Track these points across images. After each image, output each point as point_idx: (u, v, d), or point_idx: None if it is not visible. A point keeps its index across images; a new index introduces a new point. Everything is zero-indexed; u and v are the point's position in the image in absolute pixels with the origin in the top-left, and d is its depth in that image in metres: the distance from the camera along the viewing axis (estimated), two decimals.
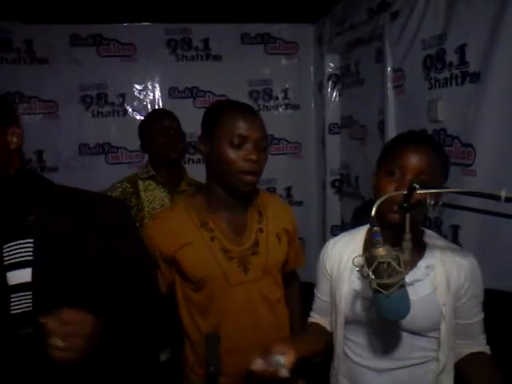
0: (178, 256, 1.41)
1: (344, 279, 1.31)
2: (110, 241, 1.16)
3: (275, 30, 3.62)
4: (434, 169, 1.20)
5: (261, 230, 1.48)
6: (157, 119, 2.30)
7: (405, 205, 1.06)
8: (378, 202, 1.02)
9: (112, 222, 1.19)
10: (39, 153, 3.35)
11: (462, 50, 1.98)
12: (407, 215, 1.06)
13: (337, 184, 3.48)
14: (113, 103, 3.41)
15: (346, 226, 3.31)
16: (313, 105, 3.69)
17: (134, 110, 3.49)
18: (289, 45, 3.64)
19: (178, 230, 1.42)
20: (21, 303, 1.09)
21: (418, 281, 1.22)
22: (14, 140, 1.13)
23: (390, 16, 2.50)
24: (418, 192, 1.05)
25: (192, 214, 1.45)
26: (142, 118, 3.45)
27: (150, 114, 2.53)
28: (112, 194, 2.15)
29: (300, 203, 3.71)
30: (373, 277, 1.02)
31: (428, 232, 1.34)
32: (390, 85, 2.56)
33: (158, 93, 3.51)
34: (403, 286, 1.04)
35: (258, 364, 1.15)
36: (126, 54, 3.42)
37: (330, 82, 3.43)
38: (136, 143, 3.41)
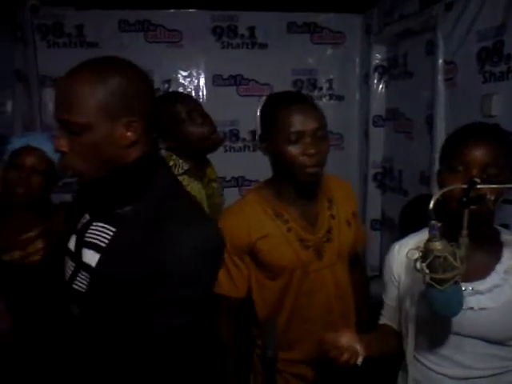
0: (257, 247, 1.45)
1: (409, 281, 1.28)
2: (167, 263, 1.02)
3: (322, 19, 3.56)
4: (501, 161, 1.13)
5: (332, 217, 1.52)
6: (188, 101, 1.98)
7: (464, 199, 1.03)
8: (436, 196, 1.00)
9: (179, 251, 1.02)
10: None
11: None
12: (466, 211, 1.03)
13: (379, 177, 3.42)
14: (158, 89, 3.44)
15: (387, 220, 3.27)
16: (357, 96, 3.63)
17: None
18: (335, 35, 3.58)
19: (254, 222, 1.46)
20: (81, 281, 1.11)
21: (497, 286, 1.16)
22: (128, 135, 1.02)
23: (445, 6, 2.43)
24: (479, 187, 1.03)
25: (266, 206, 1.48)
26: None
27: (174, 94, 2.28)
28: None
29: None
30: (427, 271, 1.00)
31: (504, 231, 1.26)
32: (440, 77, 2.49)
33: (202, 80, 3.51)
34: (457, 282, 1.02)
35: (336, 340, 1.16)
36: (172, 41, 3.44)
37: (376, 74, 3.36)
38: None
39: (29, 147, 1.63)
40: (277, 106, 1.44)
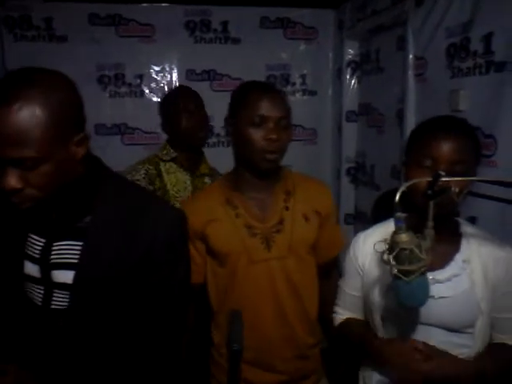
0: (206, 231, 1.46)
1: (375, 272, 1.30)
2: (153, 255, 1.09)
3: (295, 14, 3.56)
4: (467, 157, 1.16)
5: (286, 208, 1.50)
6: (183, 97, 2.19)
7: (429, 192, 1.05)
8: (401, 188, 1.01)
9: (161, 236, 1.09)
10: None
11: (488, 38, 1.94)
12: (431, 203, 1.05)
13: (352, 172, 3.45)
14: (130, 84, 3.40)
15: (360, 214, 3.30)
16: (330, 91, 3.66)
17: (150, 92, 3.47)
18: (308, 30, 3.59)
19: (206, 207, 1.49)
20: (59, 300, 1.10)
21: (456, 276, 1.19)
22: (79, 150, 1.01)
23: (415, 2, 2.46)
24: (443, 180, 1.05)
25: (219, 193, 1.51)
26: (159, 99, 3.48)
27: (174, 90, 2.39)
28: (134, 176, 2.08)
29: None
30: (394, 263, 1.02)
31: (464, 223, 1.30)
32: (411, 73, 2.52)
33: (175, 75, 3.48)
34: (424, 273, 1.04)
35: None
36: (145, 35, 3.40)
37: (348, 69, 3.39)
38: (152, 125, 3.45)
39: None
40: (247, 91, 1.48)
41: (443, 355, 1.17)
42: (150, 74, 3.47)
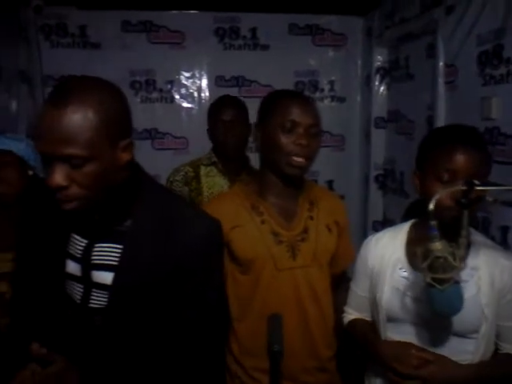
0: (229, 236, 1.44)
1: (386, 276, 1.32)
2: (189, 263, 1.11)
3: (324, 21, 3.58)
4: (483, 170, 1.17)
5: (311, 218, 1.51)
6: (220, 108, 2.28)
7: (463, 200, 1.05)
8: (436, 197, 1.02)
9: (197, 244, 1.12)
10: None
11: None
12: (465, 211, 1.05)
13: (380, 179, 3.44)
14: (161, 90, 3.47)
15: (388, 222, 3.28)
16: (359, 98, 3.65)
17: (181, 97, 3.53)
18: (337, 37, 3.60)
19: (230, 212, 1.47)
20: (98, 299, 1.13)
21: (464, 282, 1.19)
22: (125, 156, 1.05)
23: (445, 10, 2.45)
24: (478, 188, 1.05)
25: (244, 198, 1.50)
26: (189, 105, 3.55)
27: (217, 100, 2.45)
28: (175, 177, 2.24)
29: (341, 197, 3.67)
30: (428, 271, 1.03)
31: (473, 232, 1.31)
32: (441, 80, 2.51)
33: (204, 81, 3.54)
34: (457, 281, 1.04)
35: None
36: (175, 42, 3.46)
37: (377, 76, 3.38)
38: (182, 130, 3.51)
39: None
40: (278, 97, 1.49)
41: (442, 360, 1.19)
42: (180, 80, 3.53)
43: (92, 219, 1.14)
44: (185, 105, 3.54)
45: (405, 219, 2.02)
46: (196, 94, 3.54)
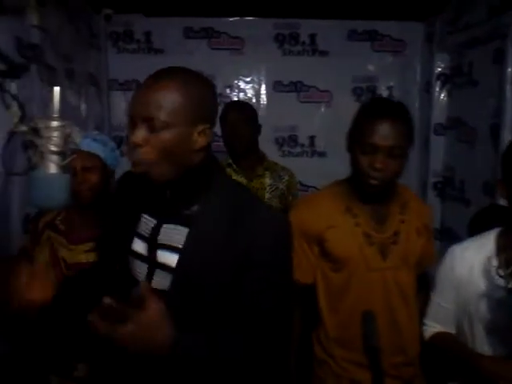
0: (325, 236, 1.52)
1: (479, 287, 1.31)
2: (256, 254, 1.11)
3: (383, 27, 3.56)
4: None
5: (402, 221, 1.55)
6: (226, 111, 2.47)
7: None
8: None
9: (266, 236, 1.13)
10: None
11: None
12: None
13: (439, 186, 3.39)
14: (220, 94, 3.55)
15: (447, 230, 3.23)
16: (417, 104, 3.60)
17: None
18: (396, 42, 3.58)
19: (326, 212, 1.54)
20: (161, 281, 1.17)
21: None
22: (200, 140, 1.12)
23: None
24: None
25: (338, 201, 1.56)
26: None
27: (224, 106, 2.60)
28: None
29: None
30: (510, 278, 1.02)
31: None
32: (509, 87, 2.45)
33: (263, 86, 3.60)
34: None
35: None
36: (235, 48, 3.54)
37: (438, 82, 3.33)
38: None
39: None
40: (367, 113, 1.50)
41: None
42: (239, 85, 3.60)
43: (163, 198, 1.19)
44: None
45: (472, 228, 2.01)
46: (254, 99, 3.59)
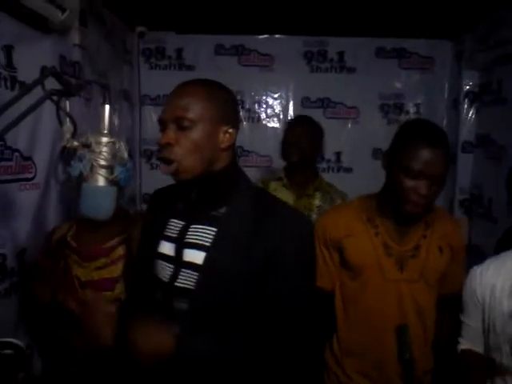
0: (343, 243, 1.56)
1: (503, 305, 1.32)
2: (279, 254, 1.17)
3: (411, 44, 3.59)
4: None
5: (424, 237, 1.56)
6: (294, 120, 2.54)
7: None
8: None
9: (288, 236, 1.18)
10: None
11: None
12: None
13: (466, 204, 3.37)
14: (249, 109, 3.62)
15: (474, 247, 3.21)
16: (445, 121, 3.60)
17: (267, 117, 3.68)
18: (424, 60, 3.60)
19: (347, 221, 1.58)
20: (186, 279, 1.22)
21: None
22: (225, 140, 1.22)
23: None
24: None
25: (361, 212, 1.60)
26: (275, 125, 3.68)
27: (293, 118, 2.71)
28: None
29: None
30: None
31: None
32: None
33: (291, 102, 3.66)
34: None
35: None
36: (265, 64, 3.61)
37: (466, 100, 3.34)
38: (266, 148, 3.63)
39: None
40: (415, 135, 1.47)
41: None
42: (268, 101, 3.67)
43: (190, 200, 1.27)
44: (270, 125, 3.68)
45: (502, 246, 2.01)
46: (282, 115, 3.65)
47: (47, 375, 1.90)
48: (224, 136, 1.22)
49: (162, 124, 1.22)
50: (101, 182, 1.13)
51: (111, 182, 1.15)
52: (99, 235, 1.76)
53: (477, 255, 3.12)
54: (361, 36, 3.51)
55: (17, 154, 1.87)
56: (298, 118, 2.60)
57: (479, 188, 3.23)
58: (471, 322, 1.45)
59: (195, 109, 1.17)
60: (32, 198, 2.00)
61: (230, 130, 1.22)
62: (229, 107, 1.25)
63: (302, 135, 2.41)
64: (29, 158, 1.96)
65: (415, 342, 1.50)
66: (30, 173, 1.98)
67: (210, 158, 1.21)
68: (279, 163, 3.45)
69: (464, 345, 1.50)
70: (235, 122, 1.26)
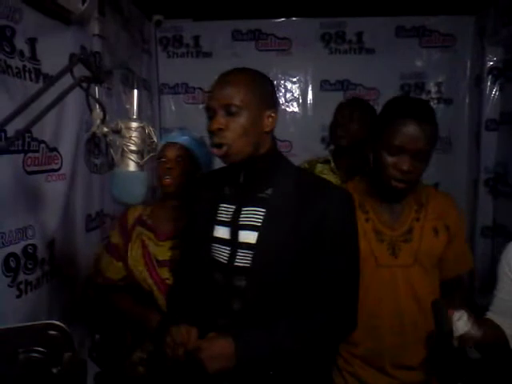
0: None
1: None
2: (325, 225, 1.27)
3: (432, 22, 3.51)
4: None
5: (417, 219, 1.53)
6: (340, 107, 2.38)
7: None
8: None
9: (331, 207, 1.29)
10: None
11: None
12: None
13: (491, 183, 3.31)
14: None
15: (500, 227, 3.16)
16: (467, 99, 3.54)
17: (286, 101, 3.65)
18: (445, 37, 3.52)
19: None
20: (243, 258, 1.31)
21: None
22: (269, 123, 1.31)
23: None
24: None
25: (354, 195, 1.53)
26: (293, 109, 3.65)
27: (347, 100, 2.57)
28: None
29: None
30: None
31: None
32: None
33: (309, 85, 3.62)
34: None
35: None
36: (282, 48, 3.58)
37: (490, 76, 3.26)
38: (286, 133, 3.61)
39: (168, 143, 1.85)
40: (394, 113, 1.47)
41: None
42: (287, 86, 3.64)
43: (237, 183, 1.35)
44: (289, 109, 3.65)
45: None
46: (301, 99, 3.63)
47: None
48: (268, 120, 1.30)
49: (210, 111, 1.30)
50: (131, 167, 1.14)
51: (142, 166, 1.16)
52: (172, 212, 1.83)
53: (503, 235, 3.08)
54: (379, 15, 3.45)
55: (43, 145, 1.90)
56: (349, 100, 2.47)
57: (504, 166, 3.17)
58: (502, 295, 1.44)
59: (241, 95, 1.25)
60: (58, 189, 2.03)
61: (273, 114, 1.31)
62: (270, 93, 1.35)
63: (351, 118, 2.28)
64: (54, 149, 1.99)
65: (409, 332, 1.51)
66: (56, 164, 2.01)
67: (256, 141, 1.29)
68: (299, 148, 3.48)
69: (488, 316, 1.49)
70: (276, 107, 1.34)
